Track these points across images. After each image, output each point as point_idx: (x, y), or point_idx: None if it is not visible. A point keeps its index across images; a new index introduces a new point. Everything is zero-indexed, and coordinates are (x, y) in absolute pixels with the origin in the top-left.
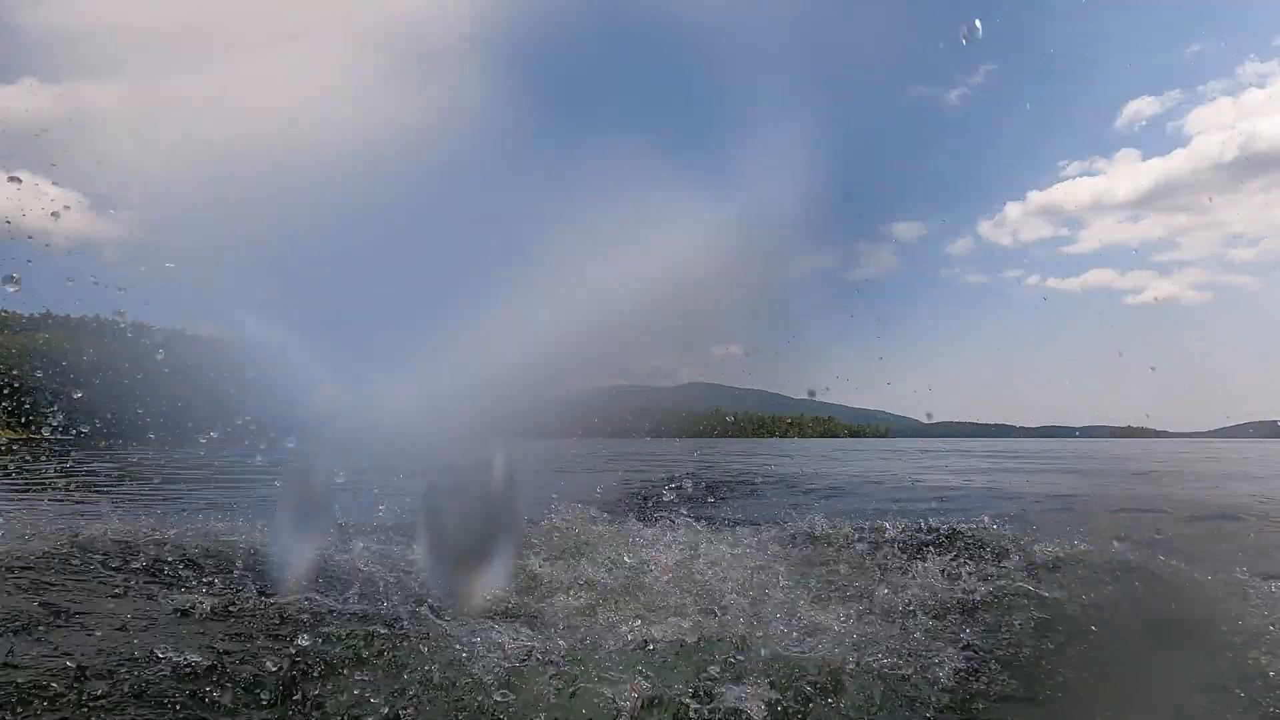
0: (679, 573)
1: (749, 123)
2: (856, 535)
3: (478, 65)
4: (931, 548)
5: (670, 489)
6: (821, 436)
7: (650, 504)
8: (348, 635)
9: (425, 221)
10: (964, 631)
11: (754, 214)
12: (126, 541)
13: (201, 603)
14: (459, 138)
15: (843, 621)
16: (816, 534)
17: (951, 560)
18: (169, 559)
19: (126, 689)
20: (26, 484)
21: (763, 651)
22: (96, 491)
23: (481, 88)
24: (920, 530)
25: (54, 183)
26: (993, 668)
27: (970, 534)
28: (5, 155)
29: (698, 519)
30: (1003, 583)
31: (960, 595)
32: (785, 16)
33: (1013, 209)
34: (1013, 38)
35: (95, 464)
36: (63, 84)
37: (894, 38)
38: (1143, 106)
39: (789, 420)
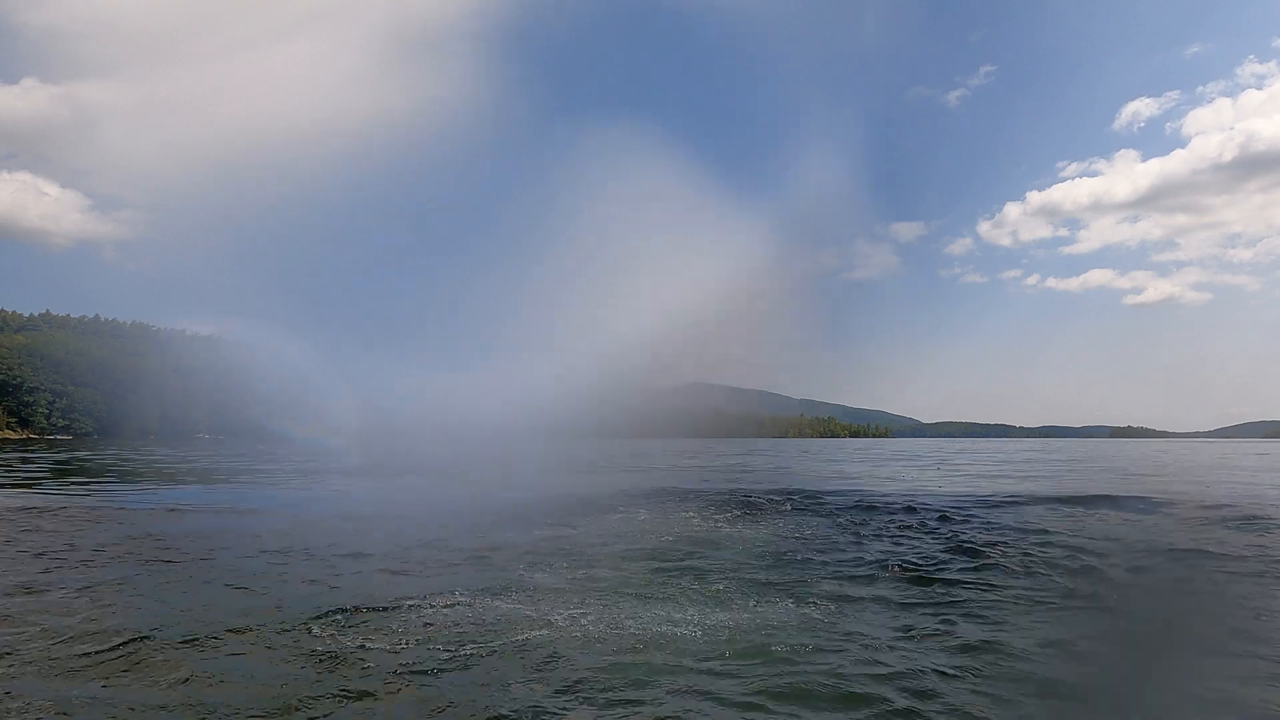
0: None
1: (756, 126)
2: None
3: (494, 58)
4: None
5: None
6: (821, 437)
7: None
8: None
9: (432, 217)
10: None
11: (777, 221)
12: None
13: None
14: (459, 132)
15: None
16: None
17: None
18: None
19: None
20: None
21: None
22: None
23: (484, 80)
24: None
25: (58, 184)
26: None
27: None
28: (7, 156)
29: None
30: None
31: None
32: (789, 21)
33: (1012, 209)
34: (1013, 38)
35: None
36: (63, 84)
37: (895, 40)
38: (1141, 108)
39: (789, 420)
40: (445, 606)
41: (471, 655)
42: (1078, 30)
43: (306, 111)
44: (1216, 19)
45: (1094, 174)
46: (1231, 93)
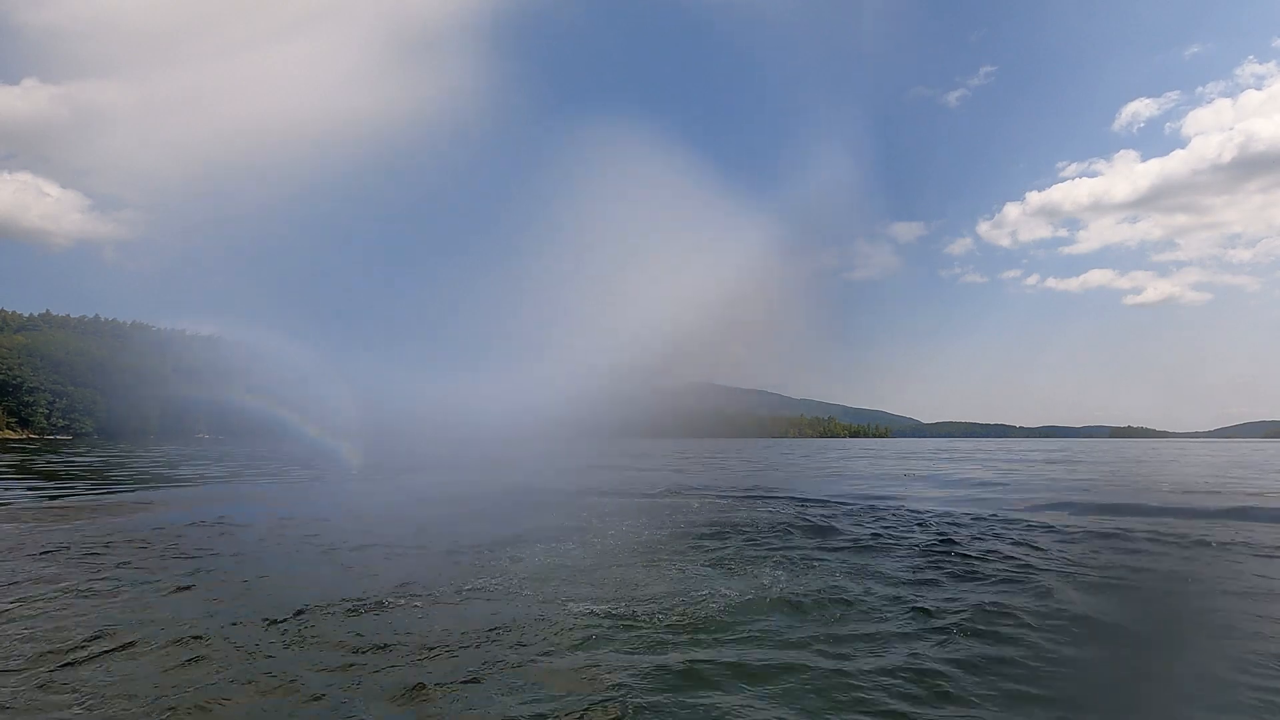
0: None
1: (755, 125)
2: None
3: (493, 56)
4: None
5: None
6: (821, 436)
7: None
8: None
9: (432, 217)
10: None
11: (777, 220)
12: None
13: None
14: (459, 131)
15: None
16: None
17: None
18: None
19: None
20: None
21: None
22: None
23: (484, 78)
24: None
25: (59, 184)
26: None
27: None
28: (7, 156)
29: None
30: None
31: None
32: (788, 20)
33: (1011, 209)
34: (1013, 38)
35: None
36: (63, 84)
37: (895, 40)
38: (1141, 108)
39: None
40: (451, 595)
41: (479, 641)
42: (1078, 30)
43: (306, 111)
44: (1216, 19)
45: (1094, 174)
46: (1231, 93)
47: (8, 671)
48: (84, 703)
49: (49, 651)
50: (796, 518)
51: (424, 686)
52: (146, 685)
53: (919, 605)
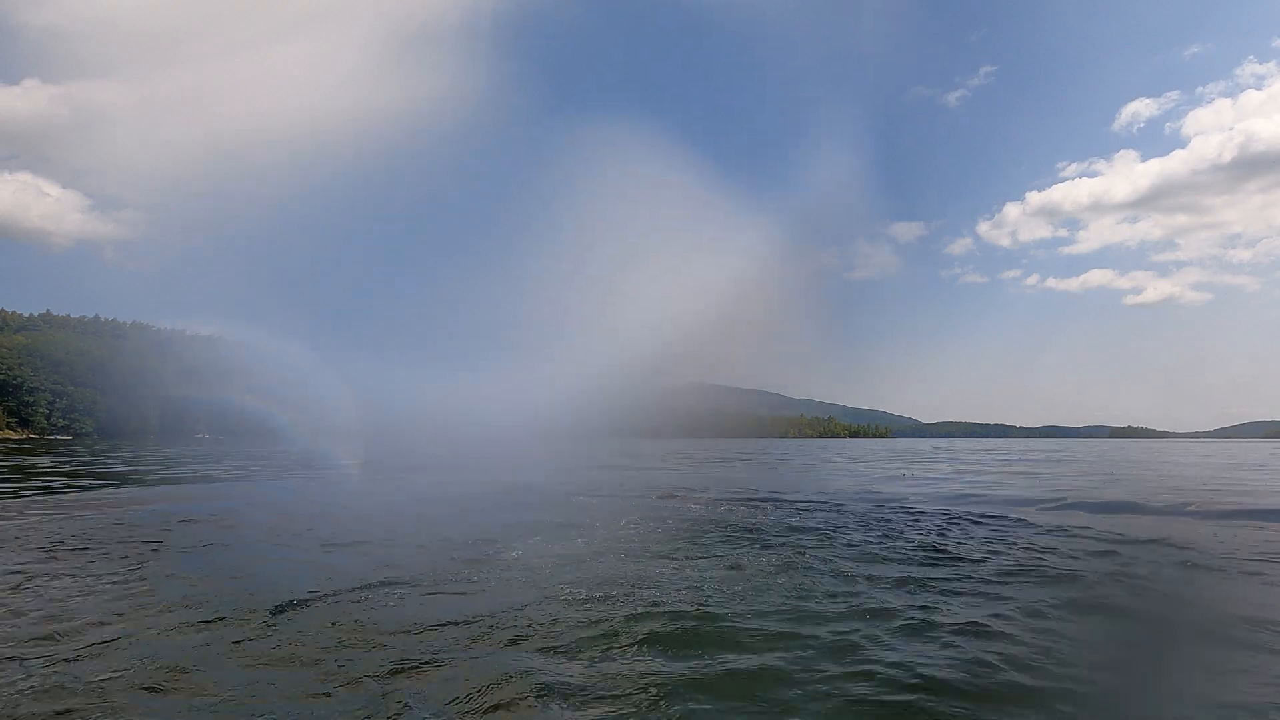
0: None
1: (755, 125)
2: None
3: (493, 56)
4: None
5: None
6: (821, 436)
7: None
8: None
9: (432, 217)
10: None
11: (777, 220)
12: None
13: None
14: (459, 130)
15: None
16: None
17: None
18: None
19: None
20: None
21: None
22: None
23: (484, 78)
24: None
25: (59, 184)
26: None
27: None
28: (8, 156)
29: None
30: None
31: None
32: (788, 20)
33: (1011, 209)
34: (1013, 38)
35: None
36: (63, 84)
37: (895, 40)
38: (1141, 108)
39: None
40: (440, 585)
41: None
42: (1078, 30)
43: (306, 111)
44: (1216, 19)
45: (1094, 174)
46: (1231, 93)
47: (1, 660)
48: (83, 694)
49: (42, 638)
50: (795, 518)
51: (419, 677)
52: (141, 673)
53: (919, 605)
